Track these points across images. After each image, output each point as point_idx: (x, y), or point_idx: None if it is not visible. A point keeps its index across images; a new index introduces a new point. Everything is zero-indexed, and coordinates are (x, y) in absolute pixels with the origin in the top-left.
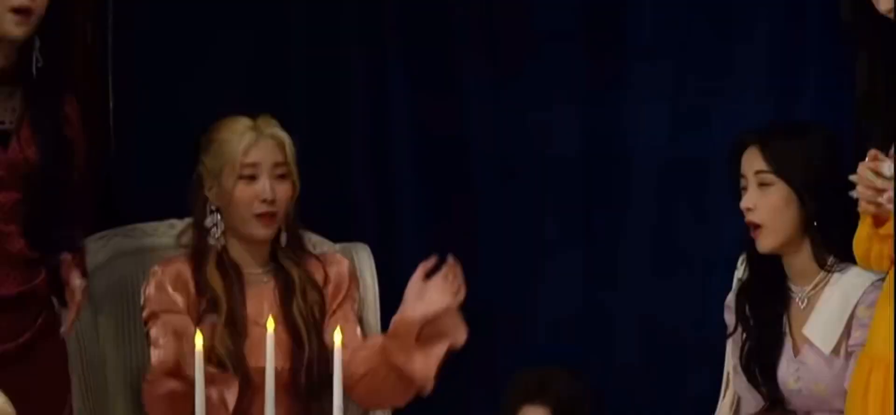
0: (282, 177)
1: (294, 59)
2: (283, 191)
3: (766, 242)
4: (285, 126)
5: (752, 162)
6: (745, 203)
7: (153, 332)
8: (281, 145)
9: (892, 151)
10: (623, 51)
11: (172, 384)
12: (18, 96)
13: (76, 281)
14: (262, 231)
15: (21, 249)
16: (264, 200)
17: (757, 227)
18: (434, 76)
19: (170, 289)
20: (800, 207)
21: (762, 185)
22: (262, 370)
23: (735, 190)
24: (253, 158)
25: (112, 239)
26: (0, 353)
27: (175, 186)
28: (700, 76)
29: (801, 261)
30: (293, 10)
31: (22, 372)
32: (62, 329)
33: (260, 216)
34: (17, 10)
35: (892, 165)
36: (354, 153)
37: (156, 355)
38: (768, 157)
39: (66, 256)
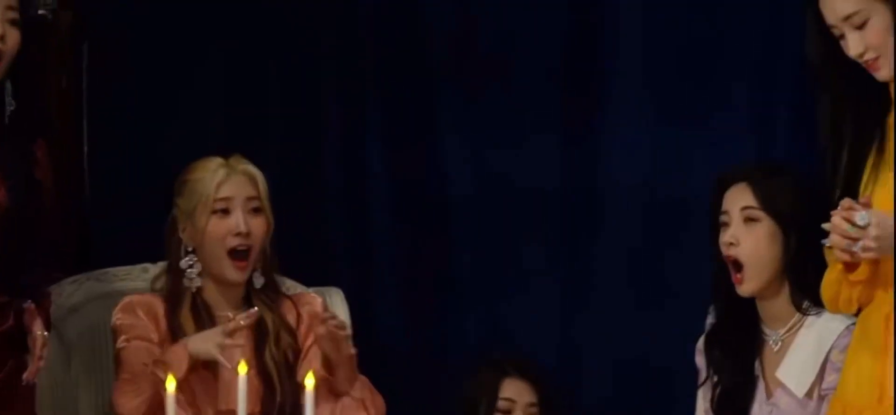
0: (255, 211)
1: (270, 105)
2: (257, 225)
3: (748, 287)
4: (261, 171)
5: (739, 198)
6: (728, 237)
7: (121, 351)
8: (253, 180)
9: (862, 199)
10: (600, 87)
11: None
12: None
13: (38, 332)
14: (235, 274)
15: None
16: (238, 234)
17: (739, 268)
18: (409, 120)
19: (142, 315)
20: (784, 245)
21: (748, 220)
22: (234, 413)
23: (713, 226)
24: (225, 192)
25: (85, 283)
26: None
27: (149, 230)
28: (677, 112)
29: (777, 304)
30: (269, 55)
31: None
32: (25, 375)
33: (233, 252)
34: None
35: (865, 215)
36: (329, 197)
37: (120, 378)
38: (757, 193)
39: (30, 306)
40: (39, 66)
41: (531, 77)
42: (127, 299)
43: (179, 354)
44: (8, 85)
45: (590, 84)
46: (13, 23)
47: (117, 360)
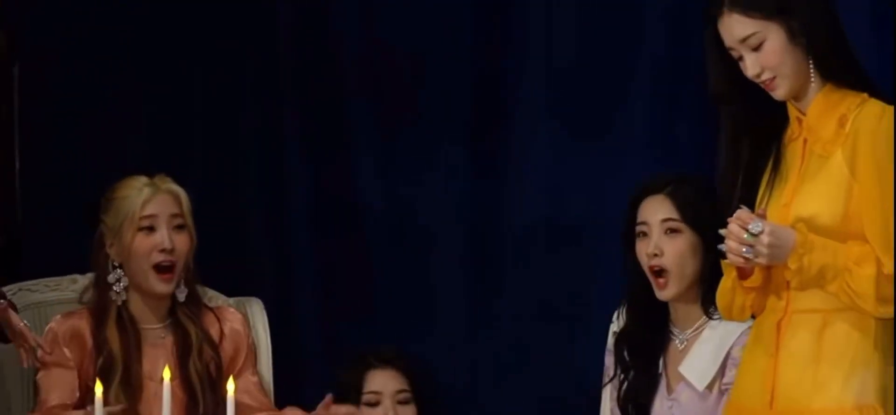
0: (179, 227)
1: (193, 122)
2: (181, 241)
3: (670, 291)
4: (183, 184)
5: (658, 210)
6: (651, 248)
7: (40, 377)
8: (177, 199)
9: (758, 211)
10: (506, 104)
11: None
12: None
13: (19, 322)
14: (161, 287)
15: None
16: (163, 250)
17: (662, 273)
18: (325, 137)
19: (62, 344)
20: (703, 254)
21: (670, 231)
22: None
23: (628, 236)
24: (151, 210)
25: (18, 292)
26: None
27: (77, 243)
28: (579, 131)
29: (689, 307)
30: (192, 75)
31: None
32: (29, 361)
33: (158, 267)
34: None
35: (760, 224)
36: (250, 211)
37: (38, 401)
38: (678, 205)
39: (2, 303)
40: None
41: (440, 96)
42: (49, 328)
43: None
44: None
45: (496, 102)
46: None
47: (35, 386)
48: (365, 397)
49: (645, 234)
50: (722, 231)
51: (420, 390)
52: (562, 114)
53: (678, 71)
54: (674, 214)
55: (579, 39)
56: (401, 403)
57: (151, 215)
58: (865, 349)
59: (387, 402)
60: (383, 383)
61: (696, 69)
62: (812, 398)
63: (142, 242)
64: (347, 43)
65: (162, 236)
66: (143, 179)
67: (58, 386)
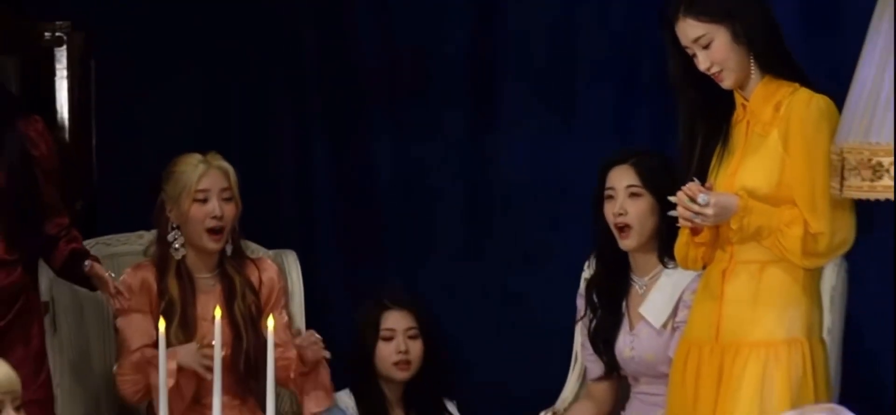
0: (227, 199)
1: (236, 106)
2: (229, 209)
3: (631, 242)
4: (228, 157)
5: (623, 177)
6: (617, 209)
7: (120, 324)
8: (226, 174)
9: (707, 183)
10: (495, 96)
11: (136, 360)
12: None
13: (103, 273)
14: (212, 244)
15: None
16: (214, 217)
17: (626, 228)
18: (346, 124)
19: (137, 289)
20: (660, 215)
21: (633, 195)
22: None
23: (598, 198)
24: (204, 184)
25: (95, 245)
26: None
27: (143, 206)
28: (556, 116)
29: (646, 258)
30: (237, 66)
31: (2, 347)
32: (115, 307)
33: (210, 231)
34: None
35: (707, 196)
36: (284, 181)
37: (121, 343)
38: (639, 173)
39: (88, 261)
40: (50, 73)
41: (441, 80)
42: (123, 279)
43: (170, 364)
44: None
45: (489, 85)
46: None
47: (118, 334)
48: (382, 334)
49: (612, 197)
50: (671, 198)
51: (426, 327)
52: (541, 95)
53: (640, 64)
54: (636, 181)
55: (556, 41)
56: (411, 338)
57: (205, 189)
58: (795, 293)
59: (400, 337)
60: (397, 321)
61: (654, 62)
62: (750, 332)
63: (197, 210)
64: (363, 34)
65: (213, 206)
66: (198, 157)
67: (138, 330)
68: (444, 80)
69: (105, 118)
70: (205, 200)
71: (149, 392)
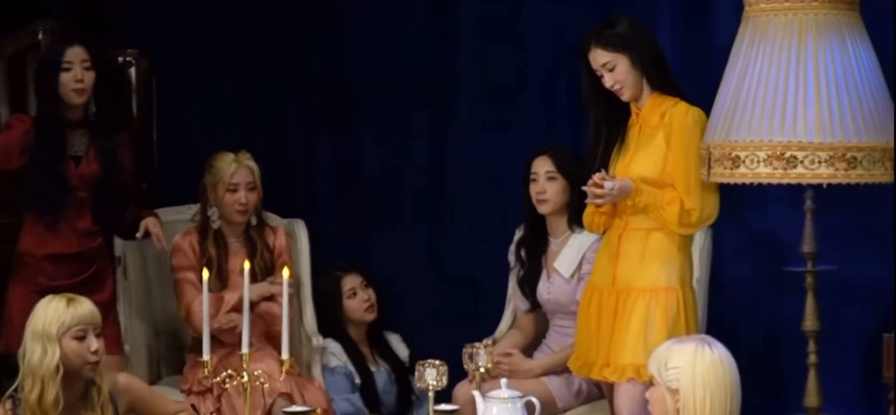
0: (252, 189)
1: (260, 114)
2: (253, 197)
3: (546, 208)
4: (253, 149)
5: (543, 164)
6: (538, 190)
7: (179, 279)
8: (252, 171)
9: (610, 173)
10: (450, 99)
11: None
12: (86, 135)
13: (153, 226)
14: (239, 219)
15: (86, 225)
16: (241, 204)
17: (544, 201)
18: (341, 123)
19: (186, 250)
20: (569, 192)
21: (550, 178)
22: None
23: (526, 180)
24: (235, 179)
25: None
26: (63, 286)
27: (191, 185)
28: (497, 116)
29: (559, 223)
30: (259, 87)
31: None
32: (158, 246)
33: (238, 211)
34: (75, 90)
35: (611, 184)
36: (295, 166)
37: (180, 298)
38: (555, 162)
39: (141, 214)
40: (123, 93)
41: (410, 88)
42: (175, 241)
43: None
44: (92, 104)
45: (447, 91)
46: (87, 69)
47: (176, 286)
48: (345, 294)
49: (534, 180)
50: (584, 188)
51: (562, 169)
52: (484, 108)
53: (561, 78)
54: (552, 167)
55: (498, 54)
56: (366, 287)
57: (236, 183)
58: (672, 252)
59: (360, 291)
60: (352, 281)
61: (569, 81)
62: (638, 280)
63: (229, 198)
64: (352, 53)
65: (241, 195)
66: (232, 156)
67: (192, 283)
68: (412, 87)
69: (163, 121)
70: (235, 190)
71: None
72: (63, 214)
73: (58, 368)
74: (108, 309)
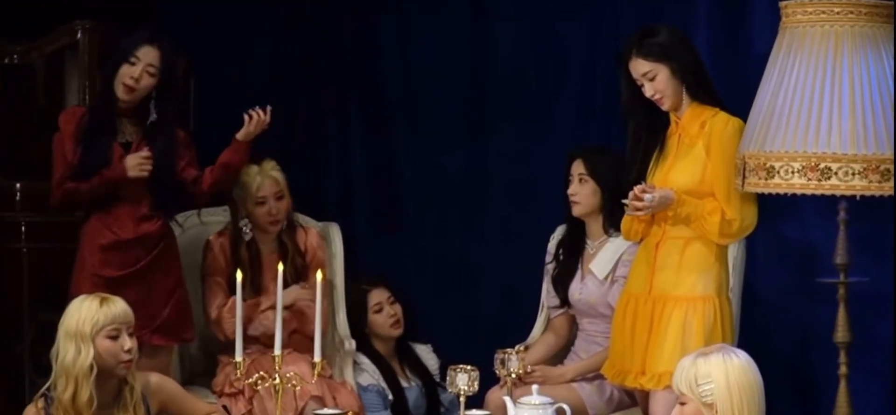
0: (280, 198)
1: (297, 120)
2: (282, 205)
3: (578, 210)
4: (288, 148)
5: (577, 167)
6: (571, 190)
7: (209, 283)
8: (277, 181)
9: (649, 184)
10: (489, 107)
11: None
12: (137, 125)
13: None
14: (271, 229)
15: (144, 211)
16: (271, 214)
17: (575, 203)
18: (377, 126)
19: (216, 253)
20: (601, 195)
21: (581, 181)
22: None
23: (565, 181)
24: (262, 192)
25: (189, 216)
26: (124, 274)
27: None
28: (534, 121)
29: (596, 227)
30: (299, 84)
31: (142, 284)
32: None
33: (270, 222)
34: (126, 86)
35: (651, 196)
36: (330, 171)
37: (210, 301)
38: (587, 165)
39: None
40: (167, 89)
41: (445, 105)
42: (208, 240)
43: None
44: (153, 102)
45: (483, 106)
46: (151, 74)
47: (206, 289)
48: (372, 308)
49: (570, 180)
50: (624, 201)
51: (592, 172)
52: (523, 112)
53: (597, 86)
54: (584, 170)
55: (536, 65)
56: (391, 303)
57: (263, 195)
58: (709, 262)
59: (386, 306)
60: (379, 295)
61: (606, 87)
62: (676, 289)
63: (259, 211)
64: (388, 61)
65: (270, 206)
66: (256, 168)
67: (223, 291)
68: (448, 96)
69: (199, 119)
70: (263, 203)
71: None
72: (121, 201)
73: (92, 367)
74: (172, 292)
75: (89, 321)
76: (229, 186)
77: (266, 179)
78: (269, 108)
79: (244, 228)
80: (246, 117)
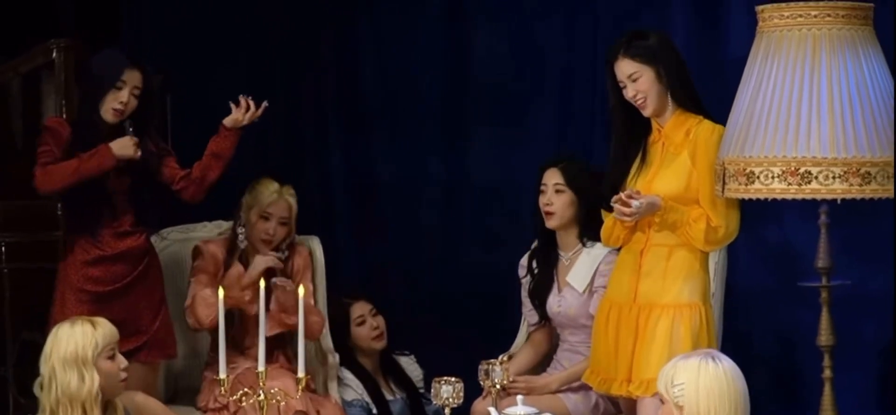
0: (283, 224)
1: (275, 133)
2: (282, 232)
3: (553, 223)
4: (269, 174)
5: (552, 177)
6: (545, 201)
7: (195, 279)
8: (290, 207)
9: (634, 190)
10: (466, 113)
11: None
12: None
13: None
14: (262, 248)
15: (126, 227)
16: (268, 234)
17: (550, 214)
18: (354, 134)
19: (207, 257)
20: (577, 205)
21: (557, 191)
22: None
23: (537, 191)
24: (271, 209)
25: (171, 232)
26: (111, 290)
27: (204, 202)
28: (510, 126)
29: (569, 237)
30: (273, 106)
31: (127, 300)
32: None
33: (263, 239)
34: (115, 110)
35: (638, 202)
36: (310, 184)
37: (189, 294)
38: (564, 175)
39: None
40: (146, 115)
41: (424, 111)
42: (197, 245)
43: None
44: (129, 123)
45: (460, 110)
46: (135, 96)
47: (190, 284)
48: (355, 321)
49: (543, 191)
50: (611, 203)
51: (571, 183)
52: (498, 118)
53: (575, 92)
54: (561, 180)
55: (513, 68)
56: (374, 315)
57: (270, 212)
58: (695, 268)
59: (368, 319)
60: (361, 308)
61: (583, 93)
62: (661, 297)
63: (260, 224)
64: (366, 71)
65: (271, 226)
66: (276, 185)
67: (202, 285)
68: (426, 102)
69: (178, 138)
70: (267, 219)
71: (215, 320)
72: (102, 219)
73: (98, 392)
74: (156, 312)
75: (89, 346)
76: (219, 175)
77: (281, 200)
78: (264, 104)
79: (240, 235)
80: (233, 106)
